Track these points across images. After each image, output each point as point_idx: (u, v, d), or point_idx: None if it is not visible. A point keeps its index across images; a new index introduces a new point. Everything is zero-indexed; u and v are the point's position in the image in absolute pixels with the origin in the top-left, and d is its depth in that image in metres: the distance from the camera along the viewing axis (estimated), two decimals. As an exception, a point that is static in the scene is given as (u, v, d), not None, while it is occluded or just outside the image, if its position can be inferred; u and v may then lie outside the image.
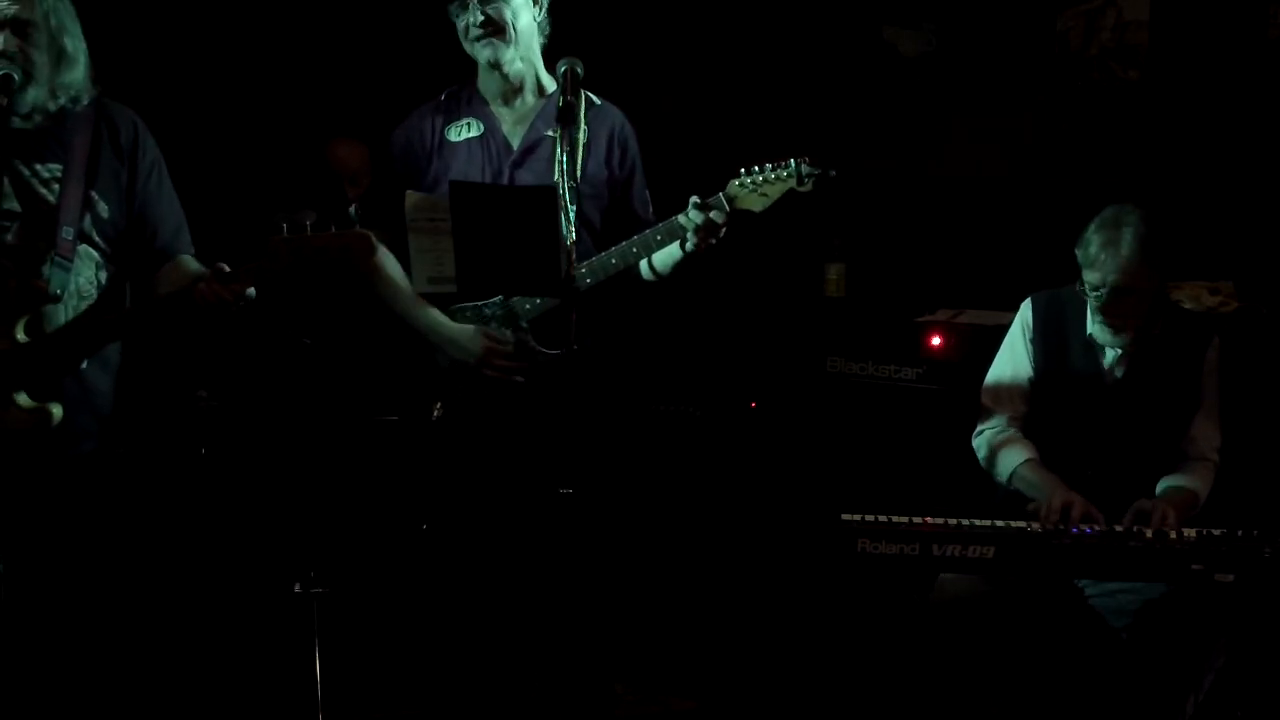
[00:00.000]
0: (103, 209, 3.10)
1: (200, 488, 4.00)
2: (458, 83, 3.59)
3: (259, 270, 2.98)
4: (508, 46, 3.42)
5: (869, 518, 3.26)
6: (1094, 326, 3.47)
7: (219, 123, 4.66)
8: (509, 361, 3.43)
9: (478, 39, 3.42)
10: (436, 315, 3.47)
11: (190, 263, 3.20)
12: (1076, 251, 3.43)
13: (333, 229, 2.96)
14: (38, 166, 3.05)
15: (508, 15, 3.41)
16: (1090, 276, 3.39)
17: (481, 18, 3.39)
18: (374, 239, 2.99)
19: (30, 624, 3.10)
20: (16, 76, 2.98)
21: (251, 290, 3.01)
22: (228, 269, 2.98)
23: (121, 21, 4.21)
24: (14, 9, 2.98)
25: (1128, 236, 3.35)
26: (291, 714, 3.71)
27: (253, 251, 2.99)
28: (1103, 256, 3.35)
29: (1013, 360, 3.60)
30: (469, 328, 3.46)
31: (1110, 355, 3.50)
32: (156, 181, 3.19)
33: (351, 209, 3.02)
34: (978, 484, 3.60)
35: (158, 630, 3.87)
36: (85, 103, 3.09)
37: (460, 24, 3.44)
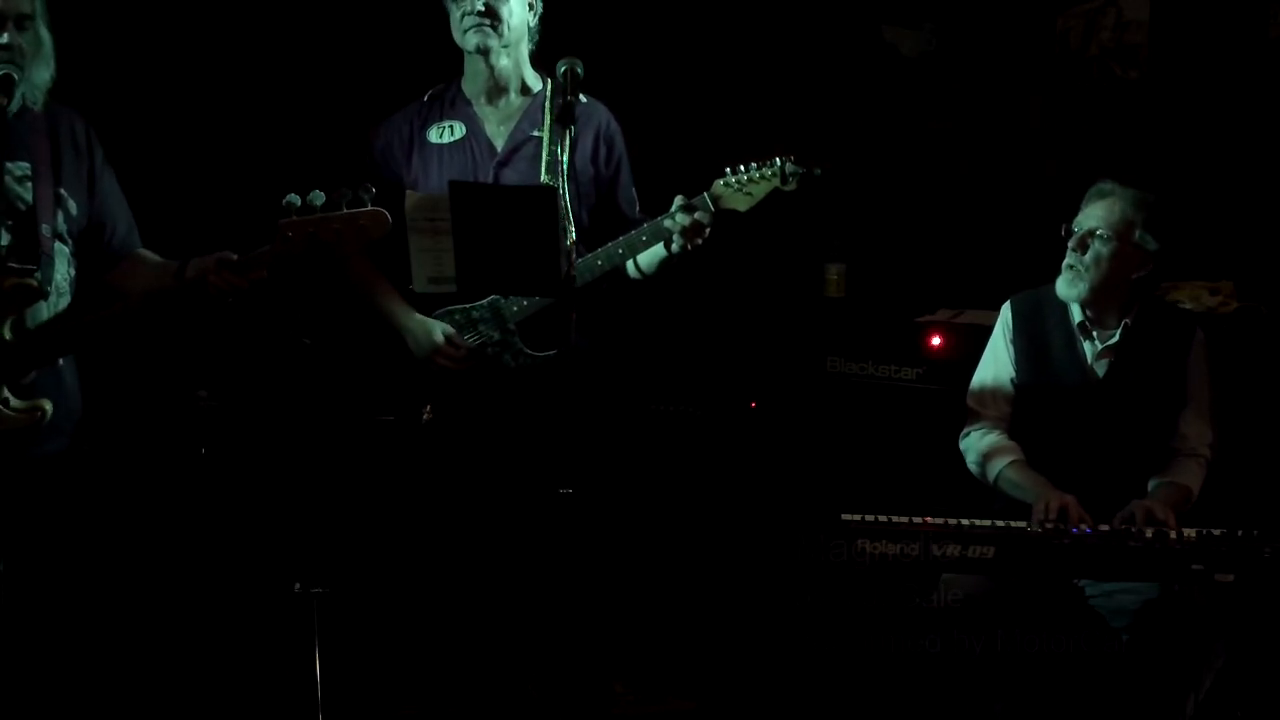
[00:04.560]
0: (71, 206, 3.10)
1: (200, 488, 4.00)
2: (444, 80, 3.60)
3: (274, 255, 2.97)
4: (499, 38, 3.44)
5: (869, 518, 3.26)
6: (1060, 278, 3.49)
7: (254, 109, 4.63)
8: (455, 363, 3.46)
9: (472, 26, 3.43)
10: (400, 304, 3.49)
11: (150, 256, 3.21)
12: None
13: (344, 209, 2.95)
14: (9, 165, 3.03)
15: (504, 11, 3.43)
16: (1080, 216, 3.46)
17: (481, 6, 3.41)
18: (388, 217, 2.98)
19: (30, 624, 3.10)
20: (17, 76, 2.97)
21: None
22: (235, 257, 2.98)
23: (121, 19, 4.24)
24: (16, 5, 2.97)
25: (1130, 195, 3.43)
26: (291, 714, 3.71)
27: (261, 235, 2.98)
28: (1097, 199, 3.44)
29: (995, 362, 3.61)
30: (429, 325, 3.47)
31: (1091, 351, 3.51)
32: (110, 179, 3.20)
33: (362, 190, 2.97)
34: (977, 484, 3.60)
35: (158, 630, 3.88)
36: (41, 102, 3.08)
37: (456, 11, 3.45)
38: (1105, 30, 4.85)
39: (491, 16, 3.42)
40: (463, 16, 3.44)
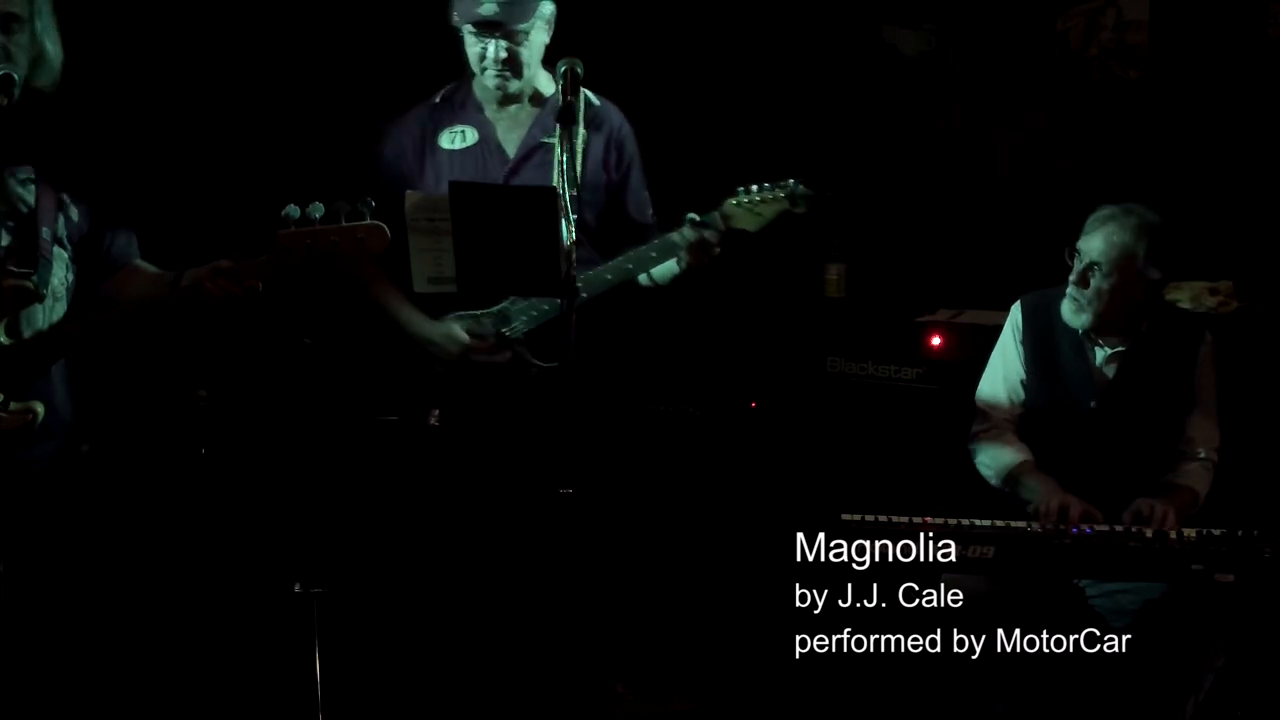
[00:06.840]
0: (73, 212, 3.09)
1: (200, 488, 4.00)
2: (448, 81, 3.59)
3: (269, 265, 2.97)
4: (519, 80, 3.43)
5: (869, 518, 3.26)
6: (1064, 302, 3.47)
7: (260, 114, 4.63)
8: (488, 356, 3.44)
9: (491, 70, 3.40)
10: (418, 316, 3.49)
11: (147, 267, 3.21)
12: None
13: (342, 221, 2.95)
14: (12, 168, 3.02)
15: (524, 55, 3.40)
16: (1081, 244, 3.42)
17: (505, 55, 3.38)
18: (387, 231, 2.98)
19: (30, 624, 3.10)
20: (16, 76, 2.97)
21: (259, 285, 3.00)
22: (228, 265, 2.98)
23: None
24: (4, 4, 2.96)
25: (1133, 223, 3.39)
26: (291, 714, 3.71)
27: (261, 243, 2.98)
28: (1102, 229, 3.40)
29: (1004, 362, 3.61)
30: (447, 329, 3.47)
31: (1099, 355, 3.51)
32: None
33: (361, 203, 2.98)
34: (978, 484, 3.60)
35: (158, 630, 3.88)
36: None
37: (474, 49, 3.41)
38: (1105, 30, 4.85)
39: (512, 65, 3.40)
40: (482, 56, 3.40)
